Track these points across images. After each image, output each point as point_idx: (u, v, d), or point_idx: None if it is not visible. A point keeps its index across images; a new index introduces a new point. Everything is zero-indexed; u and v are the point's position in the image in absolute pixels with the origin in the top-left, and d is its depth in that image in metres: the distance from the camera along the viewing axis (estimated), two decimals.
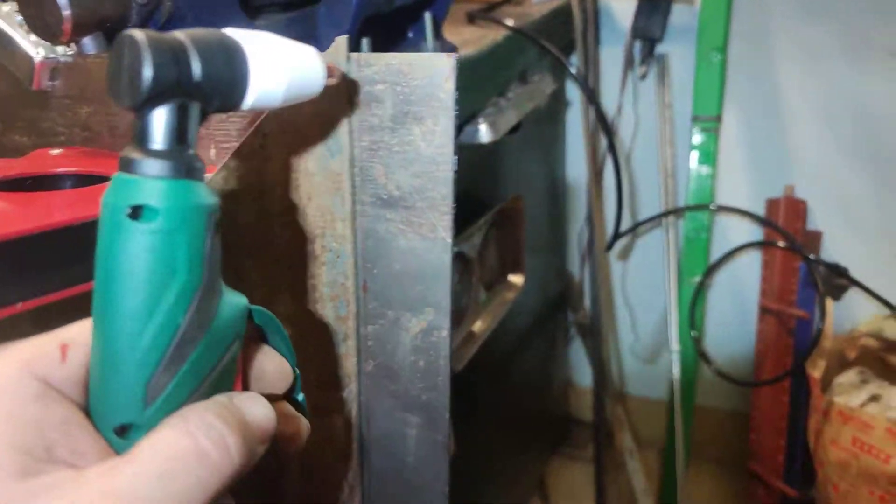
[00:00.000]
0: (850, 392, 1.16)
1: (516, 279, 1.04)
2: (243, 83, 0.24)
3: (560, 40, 1.11)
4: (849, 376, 1.19)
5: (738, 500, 1.33)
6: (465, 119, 0.77)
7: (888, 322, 1.19)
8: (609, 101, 1.28)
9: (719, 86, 1.14)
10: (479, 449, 1.08)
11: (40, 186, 0.34)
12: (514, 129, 0.95)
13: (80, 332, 0.23)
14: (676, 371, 1.16)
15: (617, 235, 1.00)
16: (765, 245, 1.16)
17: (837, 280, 1.15)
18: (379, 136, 0.29)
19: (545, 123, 1.21)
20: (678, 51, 1.21)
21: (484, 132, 0.77)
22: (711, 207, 1.14)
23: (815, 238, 1.23)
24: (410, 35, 0.68)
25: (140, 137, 0.21)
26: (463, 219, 0.89)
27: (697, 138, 1.18)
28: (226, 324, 0.23)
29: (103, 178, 0.33)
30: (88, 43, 0.39)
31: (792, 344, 1.19)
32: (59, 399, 0.21)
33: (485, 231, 0.94)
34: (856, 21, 1.09)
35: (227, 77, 0.23)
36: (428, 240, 0.30)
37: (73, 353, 0.22)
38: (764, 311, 1.21)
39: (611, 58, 1.25)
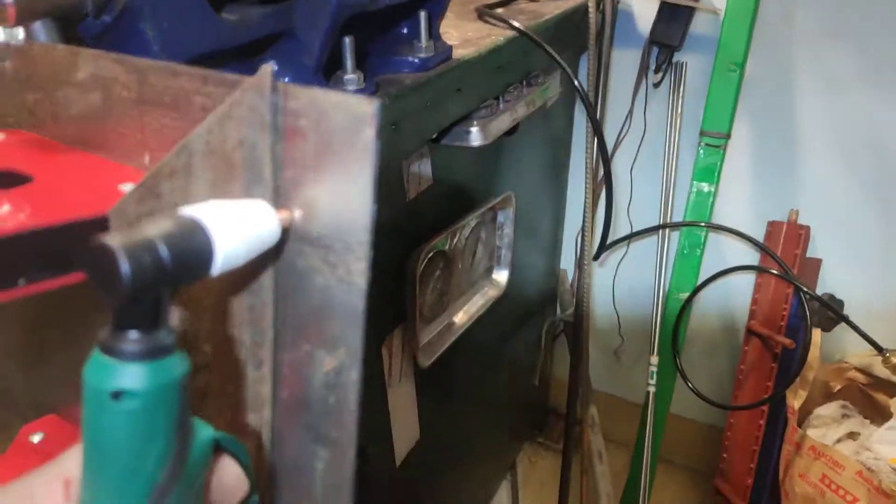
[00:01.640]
0: (829, 425, 1.15)
1: (500, 277, 1.03)
2: (209, 257, 0.26)
3: (575, 40, 1.08)
4: (830, 409, 1.18)
5: None
6: (457, 119, 0.76)
7: (878, 359, 1.18)
8: (620, 105, 1.25)
9: (732, 102, 1.11)
10: (451, 430, 1.10)
11: None
12: (511, 132, 0.93)
13: (77, 467, 0.25)
14: (652, 384, 1.16)
15: (603, 247, 0.98)
16: (758, 270, 1.14)
17: (831, 313, 1.13)
18: (301, 172, 0.29)
19: (553, 122, 1.19)
20: (696, 60, 1.18)
21: (475, 135, 0.76)
22: (703, 225, 1.12)
23: (813, 265, 1.20)
24: (405, 31, 0.67)
25: (118, 323, 0.24)
26: (452, 214, 0.88)
27: (702, 154, 1.15)
28: (196, 462, 0.26)
29: (24, 178, 0.32)
30: (38, 29, 0.39)
31: (775, 369, 1.18)
32: None
33: (471, 228, 0.93)
34: (879, 47, 1.05)
35: (195, 259, 0.25)
36: (344, 282, 0.29)
37: (75, 490, 0.25)
38: (750, 333, 1.20)
39: (626, 61, 1.22)
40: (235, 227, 0.27)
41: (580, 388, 1.26)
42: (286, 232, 0.30)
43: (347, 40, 0.54)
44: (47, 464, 0.25)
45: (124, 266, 0.22)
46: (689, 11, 1.11)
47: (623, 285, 1.39)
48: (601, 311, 1.46)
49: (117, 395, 0.23)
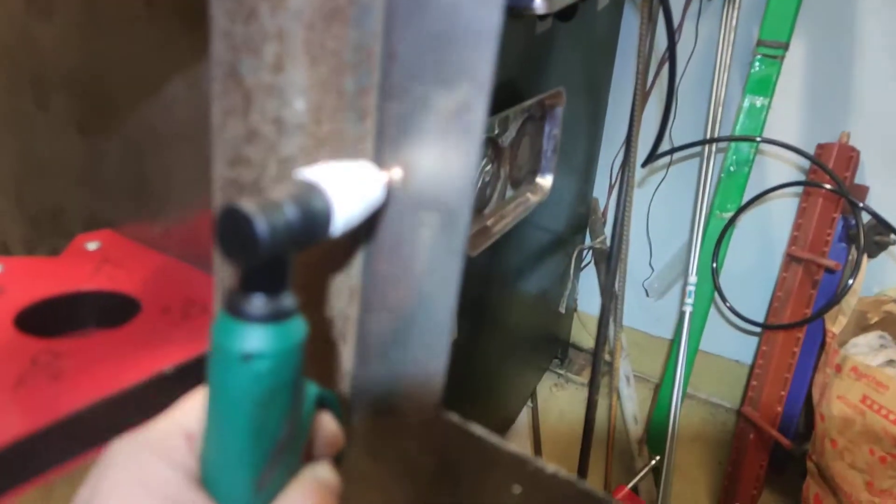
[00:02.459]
0: (867, 354, 1.13)
1: (544, 182, 1.00)
2: (329, 218, 0.26)
3: None
4: (868, 338, 1.16)
5: (725, 440, 1.33)
6: None
7: None
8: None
9: (794, 9, 1.06)
10: (480, 339, 1.07)
11: (68, 309, 0.36)
12: (569, 15, 0.88)
13: (197, 421, 0.26)
14: (690, 302, 1.13)
15: (656, 150, 0.94)
16: (810, 187, 1.10)
17: (878, 237, 1.10)
18: None
19: (601, 28, 1.14)
20: None
21: (539, 2, 0.71)
22: (756, 139, 1.07)
23: (860, 192, 1.16)
24: None
25: (247, 285, 0.24)
26: (499, 107, 0.84)
27: (758, 65, 1.10)
28: (307, 416, 0.28)
29: (131, 303, 0.34)
30: None
31: (814, 296, 1.15)
32: (196, 486, 0.24)
33: (521, 121, 0.89)
34: None
35: (317, 221, 0.26)
36: None
37: (197, 445, 0.25)
38: (791, 259, 1.17)
39: None
40: (351, 190, 0.27)
41: (612, 309, 1.24)
42: (389, 193, 0.30)
43: None
44: (163, 416, 0.26)
45: (261, 228, 0.23)
46: None
47: (658, 213, 1.36)
48: (632, 242, 1.43)
49: (247, 357, 0.24)
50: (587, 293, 1.56)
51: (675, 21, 1.19)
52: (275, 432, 0.25)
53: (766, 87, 1.09)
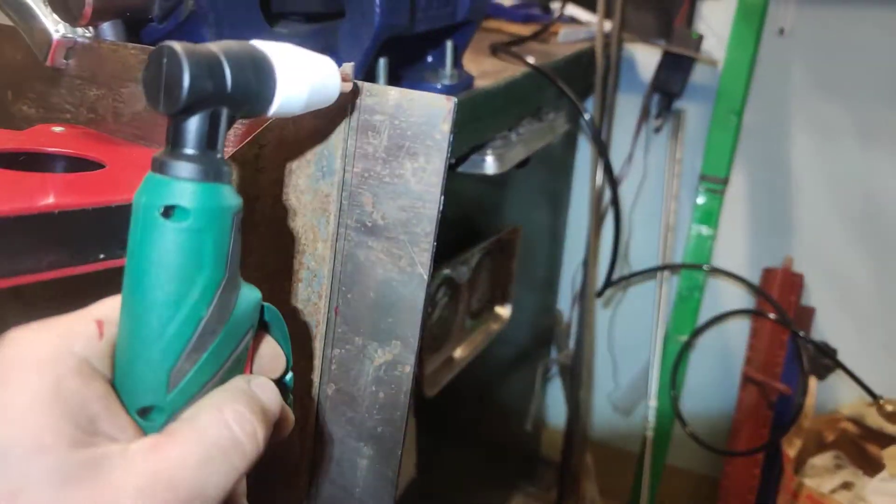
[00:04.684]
0: (824, 476, 1.15)
1: (503, 311, 1.03)
2: (270, 92, 0.25)
3: (580, 82, 1.12)
4: (824, 459, 1.18)
5: None
6: (473, 148, 0.77)
7: (871, 409, 1.18)
8: (621, 149, 1.28)
9: (731, 148, 1.15)
10: (443, 473, 1.07)
11: (33, 165, 0.34)
12: (522, 164, 0.95)
13: (113, 310, 0.24)
14: (651, 426, 1.15)
15: (608, 283, 0.99)
16: (755, 315, 1.15)
17: (824, 360, 1.15)
18: (371, 165, 0.29)
19: (555, 161, 1.22)
20: (695, 109, 1.22)
21: (490, 164, 0.77)
22: (705, 268, 1.13)
23: (807, 314, 1.22)
24: (430, 59, 0.69)
25: (174, 141, 0.23)
26: (458, 243, 0.88)
27: (702, 198, 1.18)
28: (242, 316, 0.25)
29: (96, 165, 0.33)
30: (107, 29, 0.40)
31: (771, 417, 1.18)
32: (97, 374, 0.22)
33: (478, 258, 0.93)
34: (871, 103, 1.09)
35: (256, 87, 0.25)
36: (405, 273, 0.29)
37: (108, 331, 0.23)
38: (747, 380, 1.20)
39: (628, 106, 1.26)
40: (299, 71, 0.26)
41: (577, 433, 1.25)
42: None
43: (382, 61, 0.56)
44: (80, 310, 0.24)
45: (186, 72, 0.21)
46: (690, 61, 1.16)
47: (618, 329, 1.40)
48: (596, 356, 1.46)
49: (168, 210, 0.22)
50: (557, 406, 1.57)
51: (625, 152, 1.28)
52: (196, 308, 0.22)
53: (710, 218, 1.16)
